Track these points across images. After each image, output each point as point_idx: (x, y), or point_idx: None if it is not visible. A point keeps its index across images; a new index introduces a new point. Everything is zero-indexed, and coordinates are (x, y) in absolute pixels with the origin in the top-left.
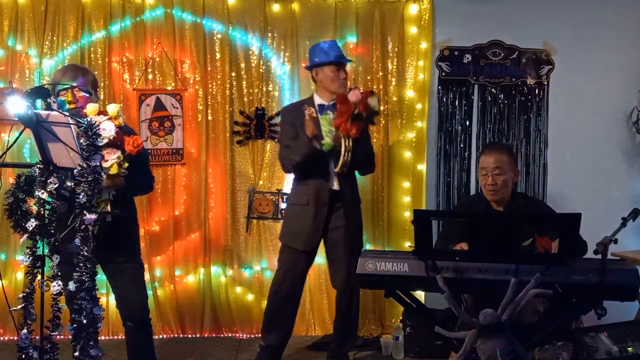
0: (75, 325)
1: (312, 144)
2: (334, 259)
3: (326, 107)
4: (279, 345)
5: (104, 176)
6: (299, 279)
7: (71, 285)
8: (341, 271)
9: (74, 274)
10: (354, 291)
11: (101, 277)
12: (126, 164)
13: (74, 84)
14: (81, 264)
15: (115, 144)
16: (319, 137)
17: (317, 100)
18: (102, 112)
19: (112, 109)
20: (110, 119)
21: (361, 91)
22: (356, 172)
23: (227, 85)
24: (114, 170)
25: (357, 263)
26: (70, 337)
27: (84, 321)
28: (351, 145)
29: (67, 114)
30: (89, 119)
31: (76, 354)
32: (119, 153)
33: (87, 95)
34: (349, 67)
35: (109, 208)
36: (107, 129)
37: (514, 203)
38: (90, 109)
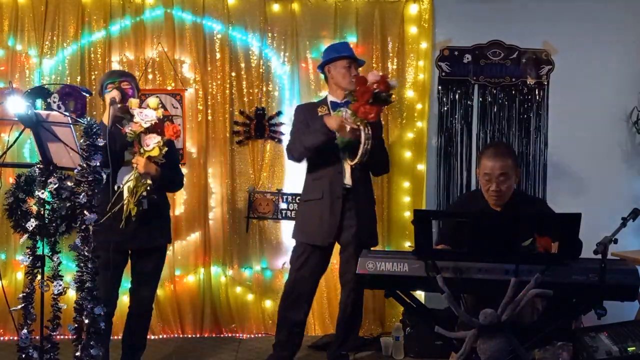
0: (76, 325)
1: (328, 132)
2: (345, 258)
3: (339, 104)
4: (292, 344)
5: (143, 161)
6: (316, 278)
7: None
8: (351, 270)
9: (76, 273)
10: (359, 291)
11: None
12: (165, 149)
13: (120, 79)
14: (82, 264)
15: (156, 130)
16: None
17: (330, 98)
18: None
19: (153, 101)
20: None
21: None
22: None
23: (227, 85)
24: (155, 153)
25: None
26: (71, 336)
27: (85, 321)
28: (371, 134)
29: (67, 114)
30: (89, 118)
31: (77, 353)
32: (159, 138)
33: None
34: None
35: (145, 193)
36: (150, 115)
37: (512, 202)
38: (133, 102)
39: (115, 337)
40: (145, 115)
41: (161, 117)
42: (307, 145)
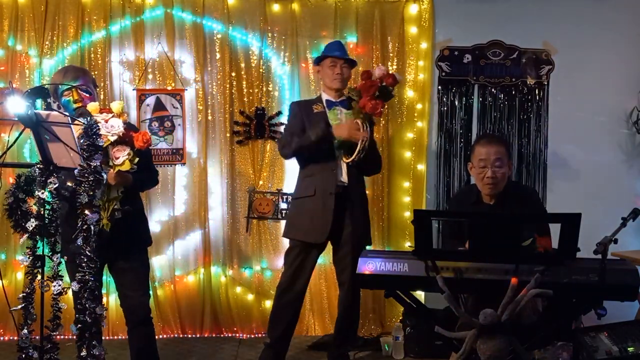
0: (79, 325)
1: (323, 133)
2: (341, 257)
3: (334, 103)
4: (284, 343)
5: (113, 174)
6: (308, 275)
7: (74, 286)
8: (347, 269)
9: (77, 274)
10: (357, 290)
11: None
12: (136, 159)
13: (77, 84)
14: (84, 264)
15: (124, 140)
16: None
17: (325, 96)
18: (103, 110)
19: (116, 105)
20: (114, 115)
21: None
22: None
23: (227, 85)
24: (126, 167)
25: None
26: (70, 336)
27: (88, 320)
28: (369, 131)
29: (67, 114)
30: (88, 119)
31: (83, 353)
32: (128, 149)
33: (88, 94)
34: None
35: (118, 205)
36: (116, 126)
37: (504, 194)
38: (92, 107)
39: (116, 338)
40: (111, 126)
41: (126, 121)
42: (304, 144)
